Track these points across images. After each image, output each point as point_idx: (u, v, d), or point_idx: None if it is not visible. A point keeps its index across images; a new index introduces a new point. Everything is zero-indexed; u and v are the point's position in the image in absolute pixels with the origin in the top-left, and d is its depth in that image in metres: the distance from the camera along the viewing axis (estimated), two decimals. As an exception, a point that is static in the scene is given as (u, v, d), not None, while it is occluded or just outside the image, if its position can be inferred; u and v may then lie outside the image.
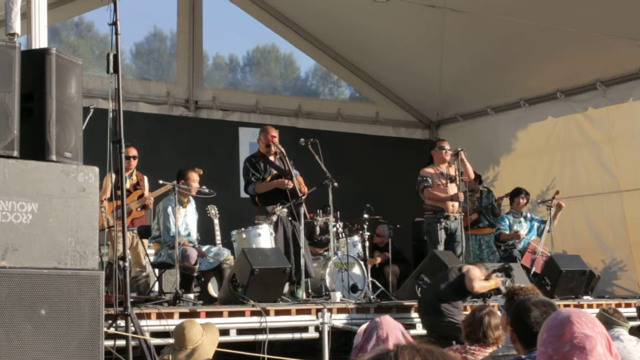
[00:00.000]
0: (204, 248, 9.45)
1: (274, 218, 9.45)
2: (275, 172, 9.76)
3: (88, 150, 5.94)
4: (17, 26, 6.09)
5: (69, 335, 5.24)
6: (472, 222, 11.95)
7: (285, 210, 9.52)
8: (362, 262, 10.05)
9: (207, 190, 9.45)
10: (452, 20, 11.98)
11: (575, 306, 9.33)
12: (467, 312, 6.89)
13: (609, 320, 5.81)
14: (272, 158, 9.84)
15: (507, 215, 11.74)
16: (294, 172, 9.71)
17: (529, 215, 11.75)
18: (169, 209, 9.26)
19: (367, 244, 10.56)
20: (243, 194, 10.18)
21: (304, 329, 8.11)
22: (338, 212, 10.27)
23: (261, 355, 7.46)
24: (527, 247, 11.30)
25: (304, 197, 9.52)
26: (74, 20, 12.98)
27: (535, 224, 11.61)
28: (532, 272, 10.80)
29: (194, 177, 9.52)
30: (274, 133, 9.88)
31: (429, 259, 9.74)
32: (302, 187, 9.69)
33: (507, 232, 11.47)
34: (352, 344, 4.73)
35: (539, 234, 11.48)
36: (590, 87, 12.63)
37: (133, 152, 9.92)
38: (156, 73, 13.75)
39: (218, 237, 9.67)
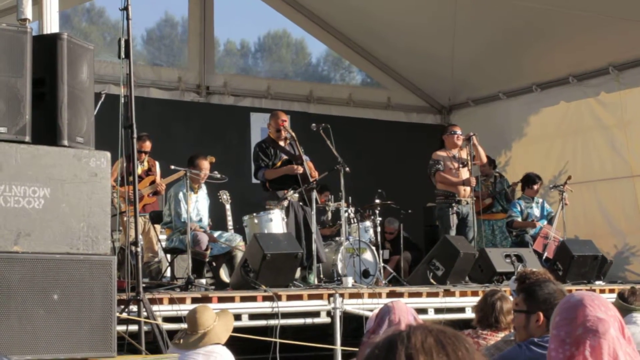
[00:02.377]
0: (216, 234, 9.46)
1: (285, 203, 9.45)
2: (285, 157, 9.74)
3: (100, 135, 5.94)
4: (28, 12, 6.09)
5: (81, 320, 5.26)
6: (485, 207, 11.92)
7: (296, 195, 9.51)
8: (373, 248, 10.04)
9: (218, 176, 9.45)
10: (463, 5, 11.92)
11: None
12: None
13: (623, 307, 5.75)
14: (282, 143, 9.82)
15: (519, 201, 11.67)
16: (304, 157, 9.70)
17: (540, 200, 11.70)
18: (180, 195, 9.26)
19: (378, 229, 10.55)
20: (254, 180, 10.18)
21: (316, 314, 8.10)
22: (350, 198, 10.26)
23: (273, 340, 7.48)
24: (539, 232, 11.26)
25: (314, 182, 9.51)
26: (85, 6, 12.98)
27: (546, 212, 11.56)
28: (544, 257, 10.76)
29: (205, 164, 9.50)
30: (284, 118, 9.87)
31: (441, 244, 9.72)
32: (312, 172, 9.68)
33: (519, 219, 11.41)
34: (363, 329, 4.73)
35: (549, 221, 11.44)
36: (603, 72, 12.55)
37: (148, 147, 9.91)
38: (167, 59, 13.76)
39: (230, 223, 9.68)
